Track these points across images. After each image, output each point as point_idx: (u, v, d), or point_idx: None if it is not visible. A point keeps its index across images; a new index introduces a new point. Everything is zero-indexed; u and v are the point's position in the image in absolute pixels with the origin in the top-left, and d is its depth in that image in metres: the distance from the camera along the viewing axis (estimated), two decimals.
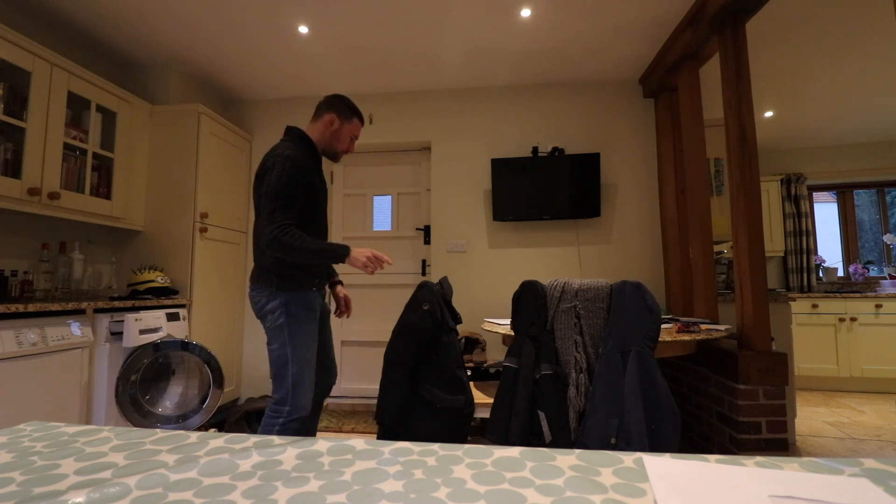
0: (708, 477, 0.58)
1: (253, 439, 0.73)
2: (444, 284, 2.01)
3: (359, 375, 3.39)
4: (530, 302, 1.79)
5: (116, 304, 2.19)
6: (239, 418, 2.75)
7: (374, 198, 3.54)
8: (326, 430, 2.86)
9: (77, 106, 2.38)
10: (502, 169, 3.16)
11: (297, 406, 1.60)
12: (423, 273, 3.36)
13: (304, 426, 1.70)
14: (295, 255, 1.54)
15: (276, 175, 1.55)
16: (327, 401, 3.38)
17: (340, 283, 1.96)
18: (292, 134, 1.73)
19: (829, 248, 4.56)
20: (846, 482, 0.56)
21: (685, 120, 2.63)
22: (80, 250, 2.46)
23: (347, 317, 1.99)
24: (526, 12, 2.43)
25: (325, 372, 1.83)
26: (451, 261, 3.25)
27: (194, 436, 0.75)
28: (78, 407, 2.01)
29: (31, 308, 1.80)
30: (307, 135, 1.73)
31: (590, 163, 3.07)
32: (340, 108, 1.75)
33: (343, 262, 1.59)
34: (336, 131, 1.74)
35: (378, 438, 1.85)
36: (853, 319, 3.71)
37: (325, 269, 1.78)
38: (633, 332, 1.59)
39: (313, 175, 1.66)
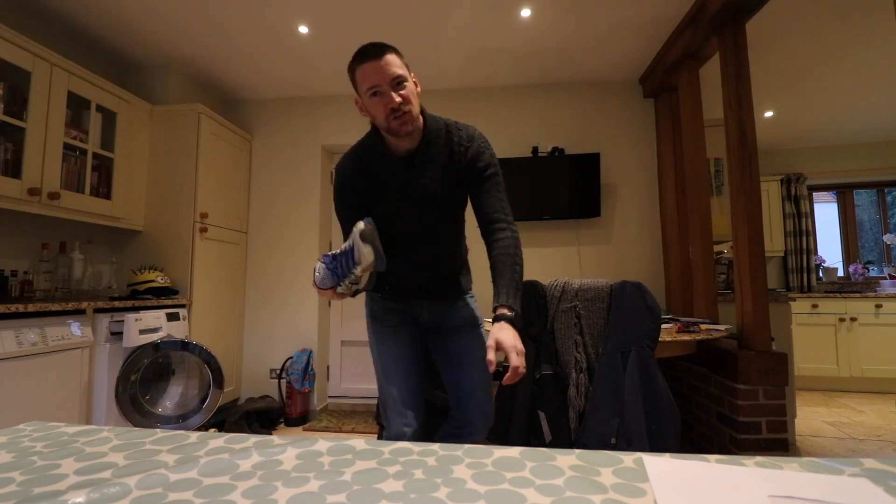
0: (708, 477, 0.58)
1: (253, 439, 0.73)
2: None
3: (359, 375, 3.38)
4: (530, 302, 1.79)
5: (116, 304, 2.19)
6: (239, 418, 2.75)
7: None
8: (326, 430, 2.86)
9: (77, 106, 2.37)
10: (502, 169, 3.14)
11: (390, 431, 1.32)
12: None
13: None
14: None
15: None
16: (327, 401, 3.36)
17: (504, 318, 1.09)
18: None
19: (829, 248, 4.56)
20: (846, 482, 0.56)
21: (685, 120, 2.63)
22: (80, 250, 2.45)
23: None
24: (526, 12, 2.43)
25: (458, 402, 1.41)
26: None
27: (194, 436, 0.75)
28: (78, 407, 2.01)
29: (31, 308, 1.80)
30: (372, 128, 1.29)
31: (590, 163, 3.06)
32: (349, 72, 1.18)
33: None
34: (362, 106, 1.21)
35: (378, 439, 1.85)
36: (853, 319, 3.71)
37: (396, 275, 1.39)
38: (633, 332, 1.59)
39: (358, 180, 1.30)
